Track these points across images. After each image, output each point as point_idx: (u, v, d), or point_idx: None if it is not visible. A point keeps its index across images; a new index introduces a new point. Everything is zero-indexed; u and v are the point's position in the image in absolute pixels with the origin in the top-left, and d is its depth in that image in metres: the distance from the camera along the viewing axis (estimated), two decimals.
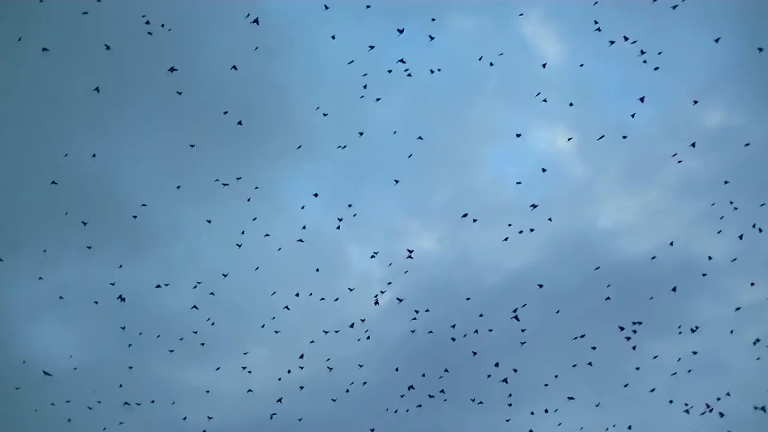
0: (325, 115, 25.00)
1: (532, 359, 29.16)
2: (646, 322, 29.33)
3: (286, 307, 27.75)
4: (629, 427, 29.64)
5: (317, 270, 27.21)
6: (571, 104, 25.42)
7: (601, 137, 27.55)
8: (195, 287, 25.83)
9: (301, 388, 27.59)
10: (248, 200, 26.02)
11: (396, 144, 29.11)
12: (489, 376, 28.39)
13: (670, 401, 28.34)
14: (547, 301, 29.99)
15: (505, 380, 27.67)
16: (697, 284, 31.62)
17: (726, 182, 26.80)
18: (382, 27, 27.74)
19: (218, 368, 27.83)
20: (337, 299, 28.91)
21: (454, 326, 28.26)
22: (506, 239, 27.88)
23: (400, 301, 28.49)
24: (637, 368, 30.36)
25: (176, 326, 26.95)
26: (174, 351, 27.54)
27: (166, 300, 27.35)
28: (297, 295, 27.24)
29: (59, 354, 27.91)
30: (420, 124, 27.61)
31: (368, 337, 27.93)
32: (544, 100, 25.27)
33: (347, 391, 27.97)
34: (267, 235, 26.32)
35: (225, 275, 26.46)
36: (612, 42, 23.98)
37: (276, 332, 28.08)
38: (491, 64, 25.02)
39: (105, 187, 25.31)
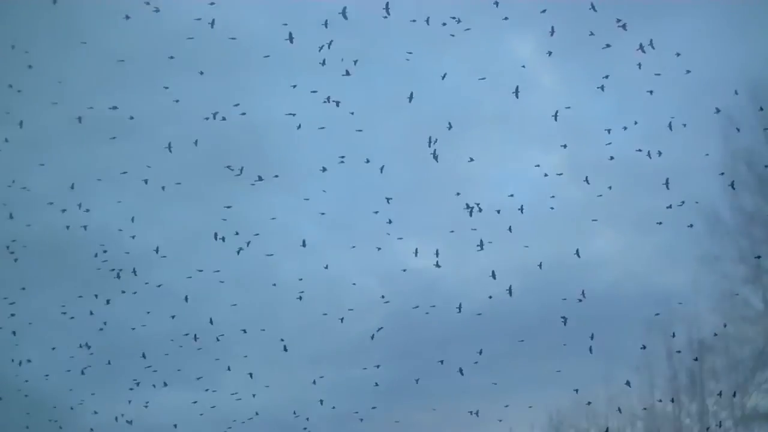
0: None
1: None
2: (610, 352, 30.45)
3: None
4: None
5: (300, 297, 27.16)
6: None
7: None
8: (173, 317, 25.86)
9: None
10: (236, 233, 26.09)
11: (389, 166, 29.13)
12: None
13: None
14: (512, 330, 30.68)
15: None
16: (664, 315, 32.78)
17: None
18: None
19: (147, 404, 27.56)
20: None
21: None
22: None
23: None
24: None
25: (154, 353, 27.03)
26: (150, 378, 27.74)
27: (146, 327, 27.40)
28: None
29: (36, 378, 27.83)
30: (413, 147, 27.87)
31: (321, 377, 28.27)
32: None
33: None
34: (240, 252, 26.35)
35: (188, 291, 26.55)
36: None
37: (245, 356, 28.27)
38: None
39: (81, 216, 25.11)
